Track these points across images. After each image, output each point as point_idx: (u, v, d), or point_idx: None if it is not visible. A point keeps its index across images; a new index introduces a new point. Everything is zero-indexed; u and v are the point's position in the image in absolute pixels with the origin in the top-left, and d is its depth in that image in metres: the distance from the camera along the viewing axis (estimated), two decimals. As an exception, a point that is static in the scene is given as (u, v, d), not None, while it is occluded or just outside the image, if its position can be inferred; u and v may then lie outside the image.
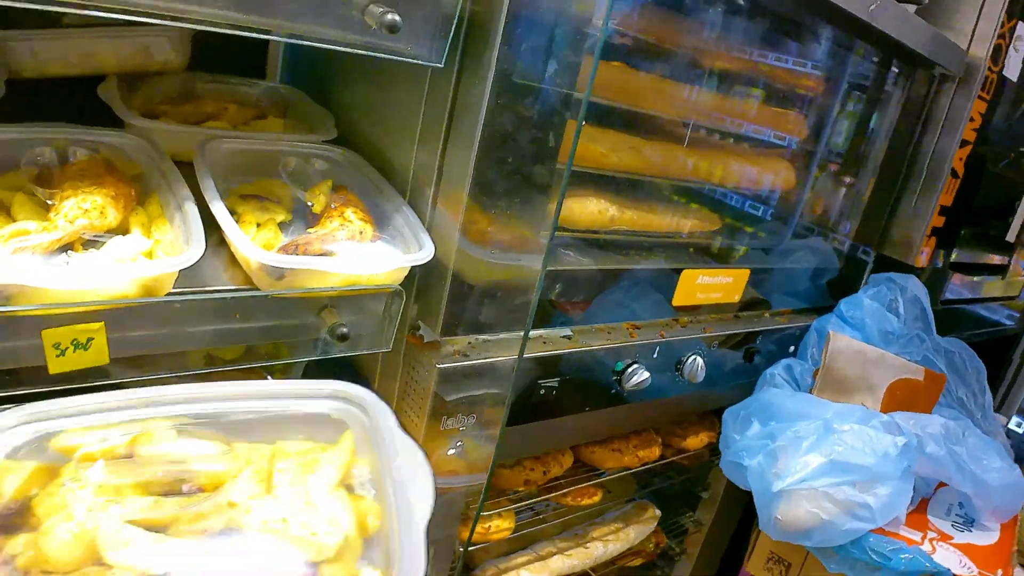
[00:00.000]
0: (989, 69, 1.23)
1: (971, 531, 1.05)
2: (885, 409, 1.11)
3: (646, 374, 0.96)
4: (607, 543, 1.24)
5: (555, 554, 1.18)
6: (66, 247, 0.62)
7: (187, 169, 0.73)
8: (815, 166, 1.34)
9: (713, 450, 1.27)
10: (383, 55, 0.64)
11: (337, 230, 0.70)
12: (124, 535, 0.48)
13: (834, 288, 1.33)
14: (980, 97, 1.25)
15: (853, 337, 1.17)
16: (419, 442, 0.63)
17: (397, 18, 0.60)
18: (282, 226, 0.74)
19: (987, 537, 1.05)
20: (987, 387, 1.29)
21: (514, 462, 1.04)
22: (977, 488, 1.03)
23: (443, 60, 0.66)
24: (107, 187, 0.66)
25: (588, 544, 1.23)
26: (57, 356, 0.58)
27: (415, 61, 0.65)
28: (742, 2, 1.01)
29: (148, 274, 0.60)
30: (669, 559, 1.49)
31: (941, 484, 1.11)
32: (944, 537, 1.02)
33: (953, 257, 1.42)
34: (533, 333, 0.90)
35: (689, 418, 1.30)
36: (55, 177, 0.69)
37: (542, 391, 0.88)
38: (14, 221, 0.63)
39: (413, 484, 0.55)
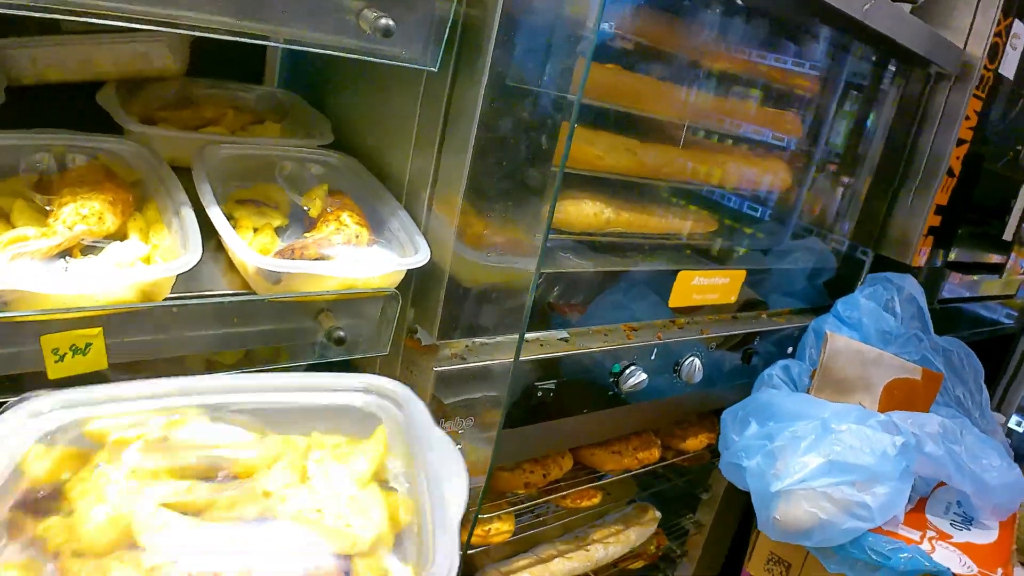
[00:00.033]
0: (985, 67, 1.23)
1: (970, 530, 1.05)
2: (883, 409, 1.11)
3: (643, 376, 0.96)
4: (608, 545, 1.24)
5: (556, 557, 1.18)
6: (65, 253, 0.62)
7: (186, 174, 0.73)
8: (811, 166, 1.34)
9: (713, 451, 1.27)
10: (378, 59, 0.64)
11: (333, 234, 0.70)
12: (159, 518, 0.48)
13: (831, 288, 1.33)
14: (976, 95, 1.25)
15: (851, 337, 1.17)
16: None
17: (391, 23, 0.60)
18: (279, 231, 0.75)
19: (986, 536, 1.05)
20: (984, 386, 1.29)
21: (514, 465, 1.04)
22: (976, 487, 1.03)
23: (437, 64, 0.66)
24: (105, 193, 0.67)
25: (589, 546, 1.23)
26: (56, 361, 0.58)
27: (409, 65, 0.66)
28: (737, 3, 1.02)
29: (145, 279, 0.60)
30: (670, 561, 1.49)
31: (940, 483, 1.11)
32: (943, 536, 1.03)
33: (951, 256, 1.43)
34: (530, 336, 0.90)
35: (688, 419, 1.31)
36: (54, 183, 0.69)
37: (540, 393, 0.88)
38: (13, 227, 0.63)
39: (448, 479, 0.55)
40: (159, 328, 0.64)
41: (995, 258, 1.61)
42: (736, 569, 1.28)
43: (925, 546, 0.99)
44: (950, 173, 1.28)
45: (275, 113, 0.98)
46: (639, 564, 1.37)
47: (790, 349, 1.25)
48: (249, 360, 0.73)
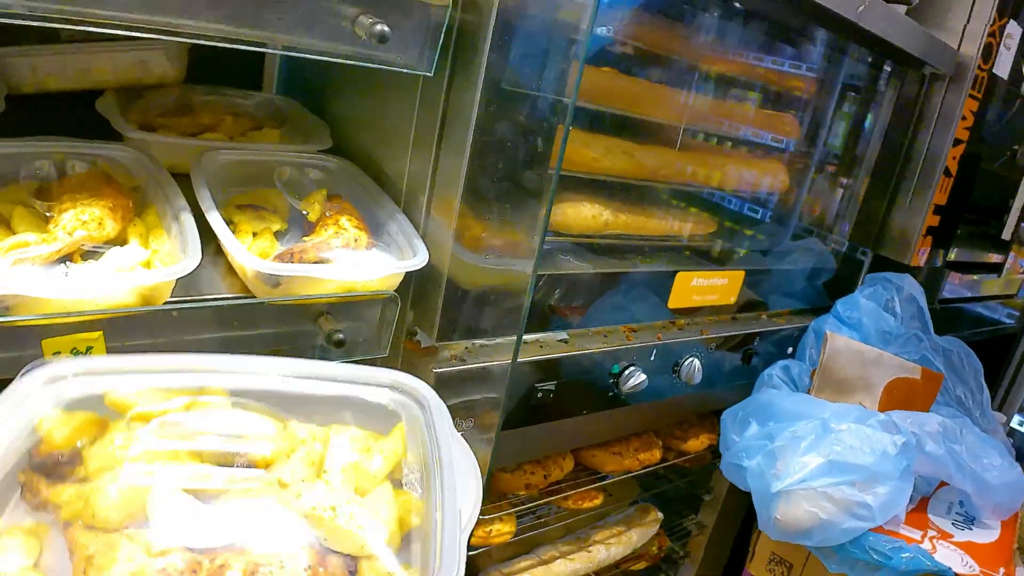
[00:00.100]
0: (979, 67, 1.24)
1: (972, 529, 1.05)
2: (883, 408, 1.12)
3: (643, 376, 0.97)
4: (609, 546, 1.24)
5: (558, 558, 1.18)
6: (65, 258, 0.63)
7: (185, 181, 0.74)
8: (809, 167, 1.35)
9: (714, 452, 1.27)
10: (374, 65, 0.65)
11: (332, 238, 0.71)
12: (172, 500, 0.48)
13: (831, 288, 1.33)
14: (971, 96, 1.25)
15: (851, 337, 1.17)
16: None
17: (386, 29, 0.61)
18: (278, 235, 0.75)
19: (988, 535, 1.05)
20: (985, 385, 1.29)
21: (515, 466, 1.04)
22: (977, 486, 1.03)
23: (433, 69, 0.67)
24: (105, 199, 0.67)
25: (591, 548, 1.23)
26: (57, 365, 0.59)
27: (405, 70, 0.66)
28: (732, 6, 1.02)
29: (145, 283, 0.61)
30: (672, 562, 1.48)
31: (941, 483, 1.11)
32: (945, 536, 1.02)
33: (951, 256, 1.43)
34: (530, 337, 0.90)
35: (689, 420, 1.31)
36: (54, 190, 0.70)
37: (539, 394, 0.89)
38: (14, 233, 0.64)
39: (463, 487, 0.55)
40: (159, 332, 0.64)
41: (995, 257, 1.62)
42: (738, 570, 1.28)
43: (926, 546, 0.99)
44: (947, 173, 1.28)
45: (274, 119, 0.99)
46: (641, 565, 1.36)
47: (790, 349, 1.25)
48: (249, 363, 0.73)
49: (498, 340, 0.83)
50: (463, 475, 0.57)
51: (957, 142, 1.27)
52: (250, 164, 0.82)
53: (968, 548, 1.00)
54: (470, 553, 1.03)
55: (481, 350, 0.83)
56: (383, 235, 0.77)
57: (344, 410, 0.61)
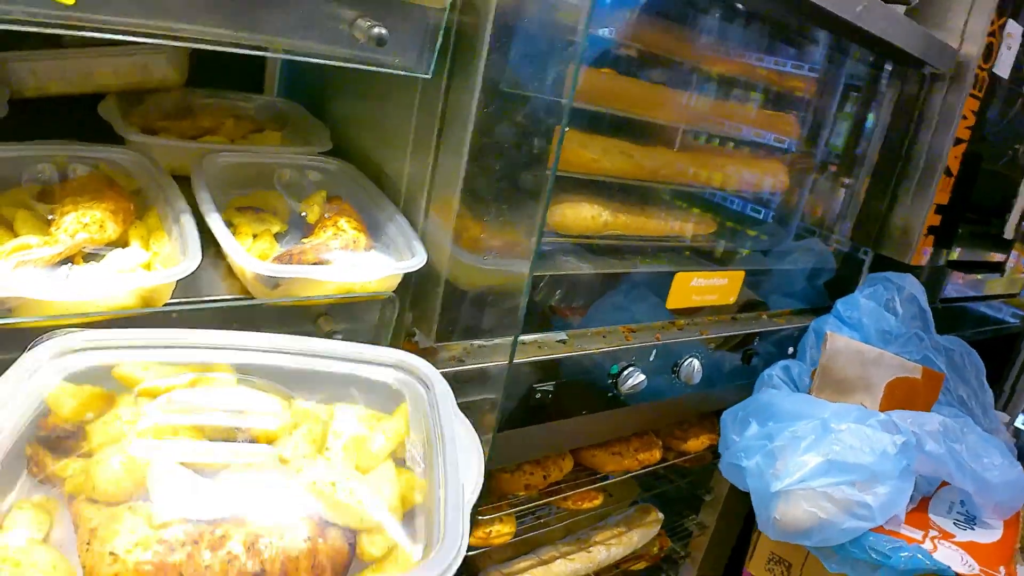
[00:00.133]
0: (980, 67, 1.24)
1: (973, 529, 1.05)
2: (884, 408, 1.11)
3: (642, 377, 0.97)
4: (610, 547, 1.24)
5: (558, 558, 1.19)
6: (67, 260, 0.64)
7: (186, 183, 0.75)
8: (809, 167, 1.35)
9: (715, 452, 1.27)
10: (372, 68, 0.65)
11: (331, 239, 0.71)
12: (174, 474, 0.49)
13: (832, 288, 1.33)
14: (972, 95, 1.25)
15: (852, 337, 1.17)
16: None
17: (384, 32, 0.61)
18: (278, 236, 0.76)
19: (990, 535, 1.04)
20: (987, 385, 1.29)
21: (514, 467, 1.05)
22: (978, 485, 1.02)
23: (431, 71, 0.67)
24: (106, 202, 0.68)
25: (591, 548, 1.23)
26: (59, 367, 0.59)
27: (403, 73, 0.67)
28: (731, 7, 1.02)
29: (145, 285, 0.61)
30: (673, 563, 1.49)
31: (943, 483, 1.11)
32: (946, 535, 1.02)
33: (953, 255, 1.42)
34: (528, 338, 0.91)
35: (689, 420, 1.31)
36: (56, 193, 0.71)
37: (538, 395, 0.89)
38: (17, 236, 0.64)
39: (465, 464, 0.55)
40: (159, 333, 0.65)
41: (997, 256, 1.61)
42: (739, 570, 1.28)
43: (927, 545, 0.99)
44: (948, 172, 1.28)
45: (275, 122, 1.00)
46: (642, 565, 1.37)
47: (791, 350, 1.25)
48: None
49: (496, 341, 0.83)
50: (465, 451, 0.57)
51: (958, 141, 1.27)
52: (250, 166, 0.82)
53: (969, 548, 1.00)
54: (470, 554, 1.04)
55: (480, 351, 0.83)
56: (382, 236, 0.78)
57: (348, 388, 0.61)
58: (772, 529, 0.96)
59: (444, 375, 0.79)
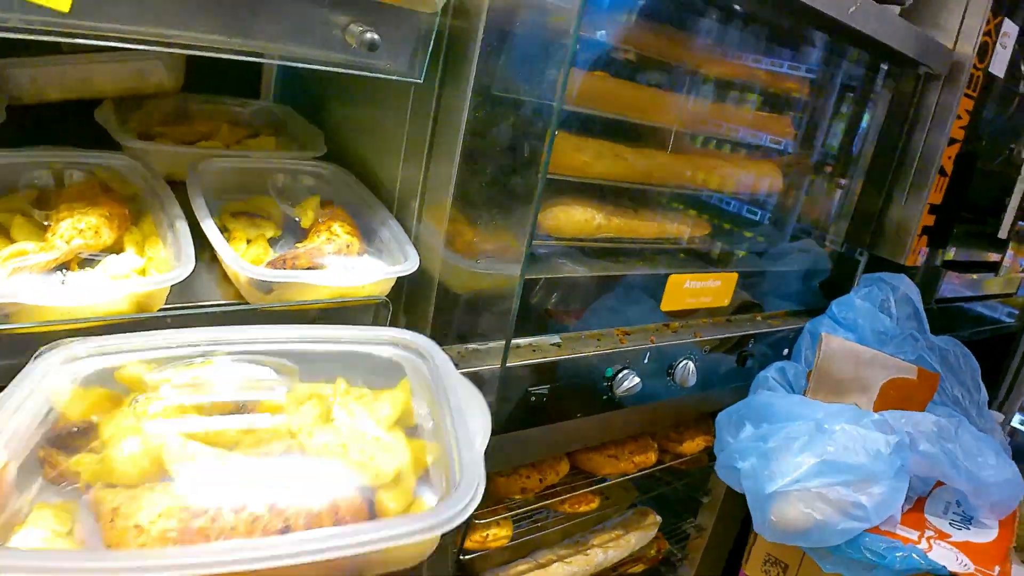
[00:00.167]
0: (975, 67, 1.24)
1: (969, 528, 1.05)
2: (879, 409, 1.12)
3: (637, 379, 0.97)
4: (607, 550, 1.24)
5: (555, 562, 1.19)
6: (63, 266, 0.64)
7: (182, 188, 0.75)
8: (804, 168, 1.35)
9: (711, 454, 1.27)
10: (364, 73, 0.66)
11: (324, 244, 0.72)
12: (189, 450, 0.50)
13: (827, 289, 1.34)
14: (967, 95, 1.26)
15: (847, 338, 1.18)
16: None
17: (376, 37, 0.62)
18: (272, 241, 0.76)
19: (985, 534, 1.04)
20: (982, 384, 1.29)
21: (510, 470, 1.05)
22: (973, 485, 1.03)
23: (423, 76, 0.68)
24: (102, 208, 0.68)
25: (588, 551, 1.23)
26: (54, 372, 0.60)
27: (395, 78, 0.67)
28: (723, 9, 1.03)
29: (140, 290, 0.62)
30: (671, 565, 1.49)
31: (939, 483, 1.11)
32: (942, 535, 1.02)
33: (949, 255, 1.43)
34: (523, 341, 0.91)
35: (686, 423, 1.31)
36: (52, 199, 0.71)
37: (533, 398, 0.89)
38: (13, 242, 0.65)
39: (472, 416, 0.57)
40: (154, 338, 0.65)
41: (993, 256, 1.61)
42: (736, 572, 1.28)
43: (923, 545, 0.99)
44: (942, 172, 1.28)
45: (270, 127, 1.00)
46: (639, 568, 1.37)
47: (786, 351, 1.25)
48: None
49: (490, 344, 0.84)
50: (471, 407, 0.58)
51: (952, 141, 1.27)
52: (245, 172, 0.83)
53: (964, 547, 1.00)
54: (466, 557, 1.04)
55: (473, 354, 0.84)
56: (375, 241, 0.78)
57: (350, 366, 0.63)
58: (768, 530, 0.96)
59: (438, 378, 0.80)
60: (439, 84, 0.73)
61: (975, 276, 1.58)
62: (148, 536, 0.43)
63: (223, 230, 0.73)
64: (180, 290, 0.64)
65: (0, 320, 0.57)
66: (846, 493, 0.93)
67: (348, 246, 0.73)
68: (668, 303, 1.05)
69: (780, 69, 1.22)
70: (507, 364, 0.82)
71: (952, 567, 0.94)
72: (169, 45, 0.58)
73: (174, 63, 0.90)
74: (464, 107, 0.70)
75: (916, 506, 1.08)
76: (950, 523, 1.06)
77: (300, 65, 0.64)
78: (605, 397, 0.98)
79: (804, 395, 1.14)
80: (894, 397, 1.14)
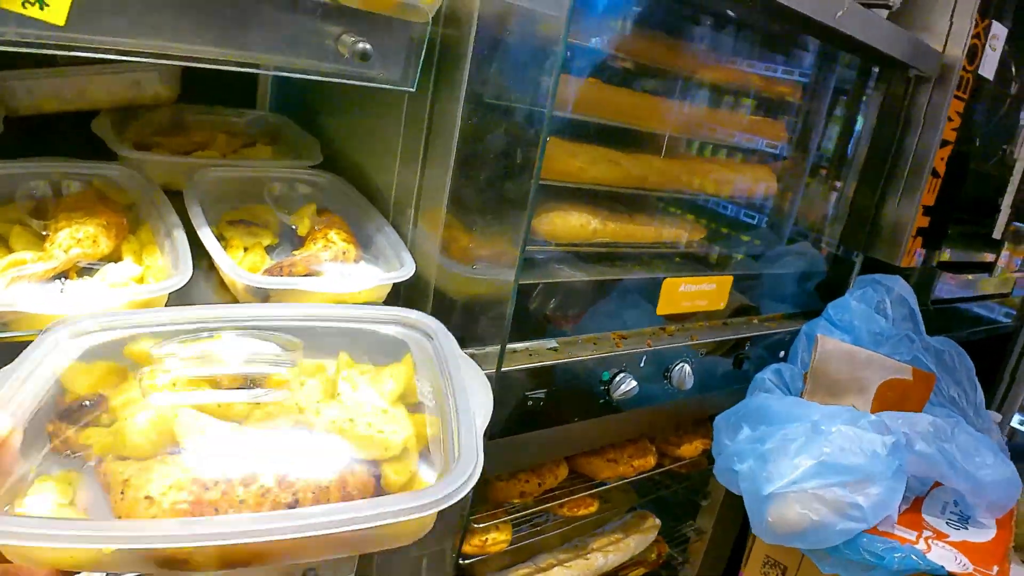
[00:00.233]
0: (964, 69, 1.25)
1: (967, 528, 1.05)
2: (876, 410, 1.12)
3: (634, 383, 0.98)
4: (607, 554, 1.24)
5: (555, 566, 1.19)
6: (61, 275, 0.65)
7: (179, 198, 0.76)
8: (797, 172, 1.36)
9: (710, 457, 1.28)
10: (357, 82, 0.66)
11: (321, 251, 0.73)
12: (200, 422, 0.50)
13: (823, 292, 1.34)
14: (957, 97, 1.27)
15: (843, 339, 1.18)
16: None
17: (368, 47, 0.63)
18: (269, 249, 0.77)
19: (983, 534, 1.05)
20: (978, 384, 1.29)
21: (508, 474, 1.05)
22: (970, 485, 1.03)
23: (415, 85, 0.69)
24: (99, 217, 0.69)
25: (588, 555, 1.23)
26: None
27: (388, 87, 0.68)
28: (714, 15, 1.04)
29: (138, 298, 0.62)
30: (672, 568, 1.49)
31: (936, 483, 1.11)
32: (940, 535, 1.03)
33: (944, 256, 1.43)
34: (519, 346, 0.92)
35: (684, 426, 1.31)
36: (50, 209, 0.72)
37: (530, 403, 0.90)
38: (12, 252, 0.66)
39: (473, 393, 0.57)
40: (152, 346, 0.66)
41: (988, 257, 1.62)
42: (736, 574, 1.28)
43: (921, 546, 0.99)
44: (935, 174, 1.29)
45: (267, 136, 1.01)
46: (640, 572, 1.37)
47: (782, 353, 1.26)
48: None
49: (487, 349, 0.84)
50: (473, 385, 0.59)
51: (945, 143, 1.28)
52: (241, 181, 0.84)
53: (963, 547, 1.00)
54: (466, 562, 1.04)
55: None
56: (372, 248, 0.79)
57: (354, 343, 0.63)
58: (766, 532, 0.96)
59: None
60: (432, 92, 0.73)
61: (970, 277, 1.59)
62: (159, 508, 0.44)
63: (220, 238, 0.73)
64: (178, 298, 0.65)
65: (-1, 329, 0.58)
66: (843, 494, 0.93)
67: (344, 253, 0.74)
68: (664, 307, 1.06)
69: (772, 73, 1.23)
70: (503, 369, 0.83)
71: (950, 567, 0.94)
72: (164, 57, 0.59)
73: (170, 74, 0.91)
74: (457, 114, 0.70)
75: (914, 506, 1.09)
76: (948, 523, 1.06)
77: (293, 75, 0.65)
78: (602, 401, 0.99)
79: (801, 397, 1.14)
80: (890, 398, 1.14)
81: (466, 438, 0.50)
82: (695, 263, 1.18)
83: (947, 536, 1.03)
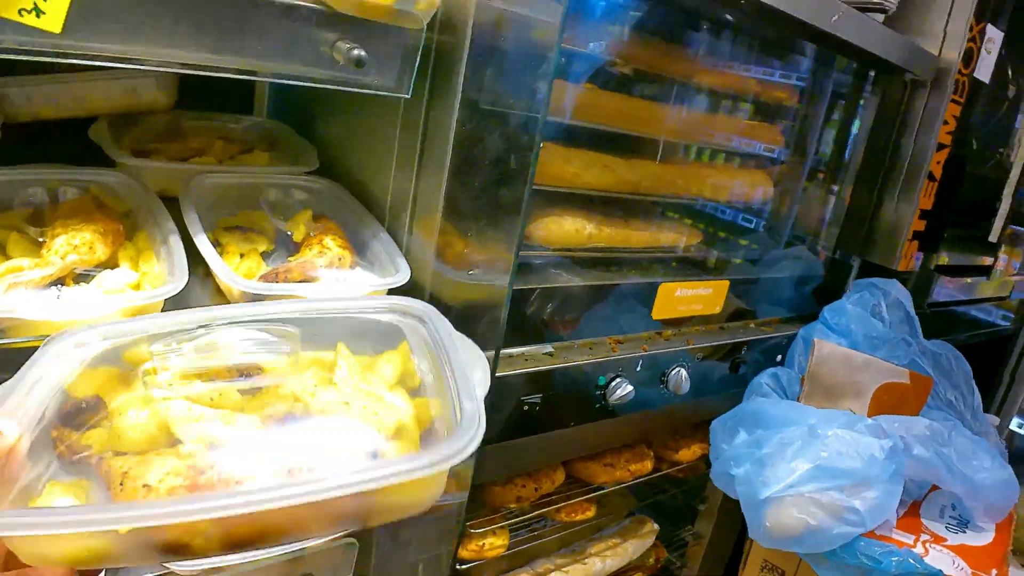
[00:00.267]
0: (960, 72, 1.25)
1: (965, 532, 1.05)
2: (873, 413, 1.12)
3: (630, 387, 0.98)
4: (605, 559, 1.24)
5: (553, 571, 1.19)
6: (58, 282, 0.65)
7: (176, 204, 0.76)
8: (793, 176, 1.36)
9: (708, 462, 1.27)
10: (352, 89, 0.67)
11: (316, 257, 0.73)
12: (194, 412, 0.51)
13: (819, 296, 1.35)
14: (954, 100, 1.27)
15: (840, 343, 1.18)
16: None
17: (363, 54, 0.63)
18: (265, 255, 0.77)
19: (981, 538, 1.05)
20: (976, 388, 1.29)
21: (505, 479, 1.05)
22: (968, 488, 1.03)
23: (410, 91, 0.69)
24: (96, 224, 0.69)
25: (586, 560, 1.23)
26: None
27: (383, 93, 0.69)
28: (711, 20, 1.05)
29: (134, 304, 0.63)
30: (670, 573, 1.48)
31: (934, 487, 1.11)
32: (937, 539, 1.03)
33: (941, 260, 1.44)
34: (515, 351, 0.92)
35: (682, 430, 1.31)
36: (47, 216, 0.72)
37: (526, 407, 0.90)
38: (8, 258, 0.66)
39: (471, 366, 0.58)
40: (147, 352, 0.66)
41: (985, 260, 1.62)
42: (735, 579, 1.28)
43: (919, 549, 0.99)
44: (931, 178, 1.29)
45: (264, 142, 1.02)
46: (639, 577, 1.37)
47: (779, 357, 1.26)
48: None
49: (484, 354, 0.84)
50: (470, 359, 0.59)
51: (941, 146, 1.29)
52: (238, 187, 0.84)
53: (960, 551, 1.00)
54: (463, 567, 1.04)
55: (467, 363, 0.84)
56: (367, 253, 0.79)
57: (350, 332, 0.63)
58: (763, 536, 0.96)
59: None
60: (428, 98, 0.74)
61: (968, 280, 1.59)
62: (157, 494, 0.44)
63: (216, 244, 0.74)
64: (174, 304, 0.65)
65: (-4, 336, 0.58)
66: (840, 498, 0.93)
67: (340, 259, 0.74)
68: (659, 311, 1.06)
69: (768, 78, 1.24)
70: (498, 374, 0.83)
71: (949, 571, 0.94)
72: (161, 64, 0.59)
73: (167, 81, 0.92)
74: (452, 120, 0.71)
75: (912, 510, 1.09)
76: (946, 527, 1.06)
77: (289, 82, 0.65)
78: (598, 405, 0.99)
79: (798, 401, 1.14)
80: (887, 402, 1.14)
81: (468, 406, 0.51)
82: (691, 267, 1.18)
83: (945, 540, 1.03)
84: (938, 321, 1.49)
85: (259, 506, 0.40)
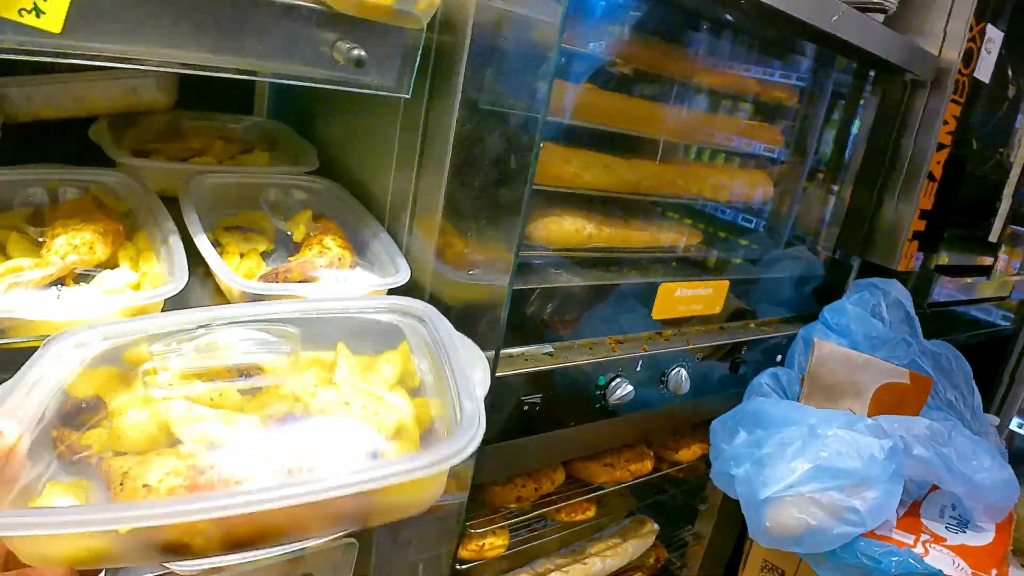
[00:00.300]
0: (960, 72, 1.25)
1: (965, 532, 1.05)
2: (873, 413, 1.12)
3: (630, 387, 0.98)
4: (605, 559, 1.24)
5: (553, 571, 1.19)
6: (58, 282, 0.65)
7: (176, 204, 0.76)
8: (793, 176, 1.36)
9: (708, 462, 1.27)
10: (352, 89, 0.67)
11: (316, 257, 0.73)
12: (193, 412, 0.51)
13: (819, 296, 1.34)
14: (954, 100, 1.27)
15: (840, 343, 1.18)
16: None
17: (363, 54, 0.63)
18: (265, 255, 0.77)
19: (982, 538, 1.05)
20: (976, 388, 1.29)
21: (505, 479, 1.05)
22: (968, 488, 1.03)
23: (410, 91, 0.69)
24: (96, 224, 0.69)
25: (586, 560, 1.23)
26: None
27: (383, 93, 0.69)
28: (711, 20, 1.04)
29: (134, 304, 0.63)
30: (670, 573, 1.48)
31: (934, 487, 1.11)
32: (937, 539, 1.03)
33: (941, 260, 1.44)
34: (515, 351, 0.92)
35: (682, 430, 1.31)
36: (47, 216, 0.72)
37: (526, 407, 0.90)
38: (9, 258, 0.66)
39: (472, 367, 0.58)
40: (147, 352, 0.66)
41: (985, 260, 1.62)
42: (735, 579, 1.28)
43: (919, 549, 0.99)
44: (931, 177, 1.29)
45: (264, 142, 1.02)
46: (639, 577, 1.37)
47: (779, 357, 1.26)
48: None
49: (483, 354, 0.84)
50: (471, 359, 0.59)
51: (941, 146, 1.29)
52: (238, 187, 0.84)
53: (960, 551, 1.00)
54: (463, 567, 1.04)
55: (467, 363, 0.84)
56: (367, 253, 0.79)
57: (349, 332, 0.63)
58: (763, 536, 0.96)
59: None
60: (428, 98, 0.74)
61: (968, 280, 1.59)
62: (157, 494, 0.44)
63: (216, 244, 0.74)
64: (174, 304, 0.65)
65: (-4, 336, 0.58)
66: (840, 498, 0.93)
67: (340, 259, 0.74)
68: (659, 311, 1.06)
69: (768, 78, 1.24)
70: (498, 374, 0.83)
71: (948, 571, 0.94)
72: (161, 64, 0.59)
73: (167, 81, 0.92)
74: (452, 120, 0.71)
75: (912, 510, 1.09)
76: (946, 527, 1.06)
77: (288, 82, 0.65)
78: (598, 405, 0.99)
79: (798, 401, 1.14)
80: (887, 402, 1.14)
81: (468, 406, 0.51)
82: (691, 267, 1.18)
83: (945, 540, 1.03)
84: (938, 321, 1.49)
85: (259, 506, 0.40)
